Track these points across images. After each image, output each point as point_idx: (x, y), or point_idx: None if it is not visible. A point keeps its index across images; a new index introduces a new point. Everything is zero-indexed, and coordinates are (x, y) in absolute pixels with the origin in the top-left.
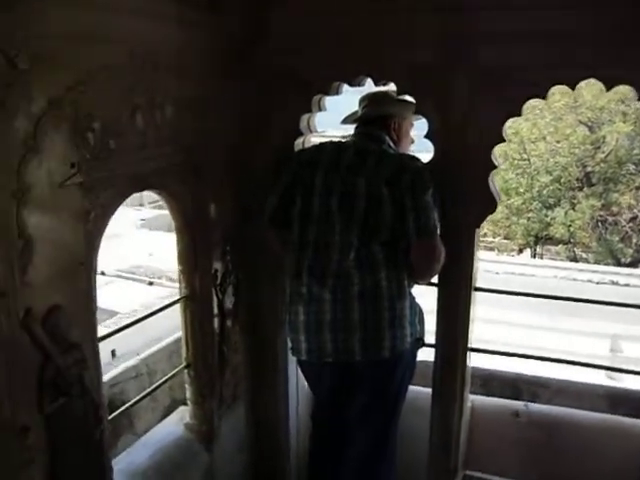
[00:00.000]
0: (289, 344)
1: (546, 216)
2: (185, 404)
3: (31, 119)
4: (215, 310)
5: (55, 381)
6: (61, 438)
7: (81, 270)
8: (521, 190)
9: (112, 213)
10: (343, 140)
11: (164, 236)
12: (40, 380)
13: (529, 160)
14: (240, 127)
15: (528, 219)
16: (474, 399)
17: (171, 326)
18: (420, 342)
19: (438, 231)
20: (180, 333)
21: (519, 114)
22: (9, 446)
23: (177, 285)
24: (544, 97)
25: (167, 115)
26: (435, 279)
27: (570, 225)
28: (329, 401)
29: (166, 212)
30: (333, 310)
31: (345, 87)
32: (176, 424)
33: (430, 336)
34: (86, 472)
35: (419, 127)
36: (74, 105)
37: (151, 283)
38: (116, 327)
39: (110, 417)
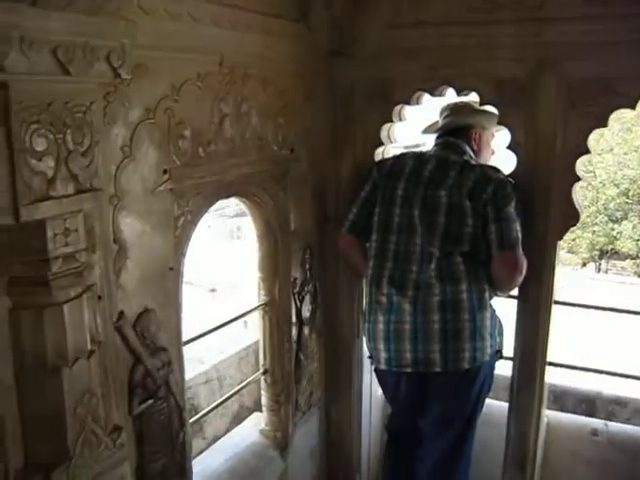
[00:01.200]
0: (367, 353)
1: (612, 230)
2: (256, 411)
3: (128, 127)
4: (293, 318)
5: (144, 383)
6: (148, 439)
7: (170, 275)
8: (586, 203)
9: (200, 219)
10: (424, 151)
11: (226, 244)
12: (130, 381)
13: (594, 172)
14: (323, 136)
15: (593, 232)
16: (549, 415)
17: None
18: (499, 354)
19: (520, 243)
20: (249, 341)
21: (605, 125)
22: (104, 444)
23: (237, 293)
24: (633, 107)
25: (253, 124)
26: (515, 291)
27: (639, 239)
28: (406, 411)
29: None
30: (413, 320)
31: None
32: (251, 430)
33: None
34: (169, 473)
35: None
36: (168, 113)
37: (213, 290)
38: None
39: (191, 420)
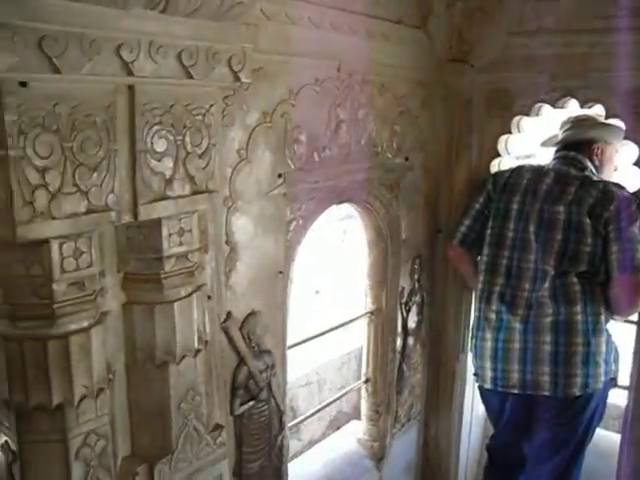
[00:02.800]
0: (472, 369)
1: None
2: (354, 417)
3: (246, 130)
4: (399, 327)
5: (246, 384)
6: (247, 440)
7: (279, 279)
8: None
9: (312, 224)
10: (542, 164)
11: (332, 246)
12: (233, 382)
13: None
14: (438, 145)
15: None
16: None
17: None
18: (613, 382)
19: None
20: (353, 346)
21: None
22: (205, 442)
23: (340, 296)
24: None
25: (369, 130)
26: (634, 316)
27: None
28: (509, 433)
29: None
30: (523, 340)
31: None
32: (348, 438)
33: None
34: (266, 474)
35: None
36: (285, 117)
37: (317, 292)
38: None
39: (291, 424)
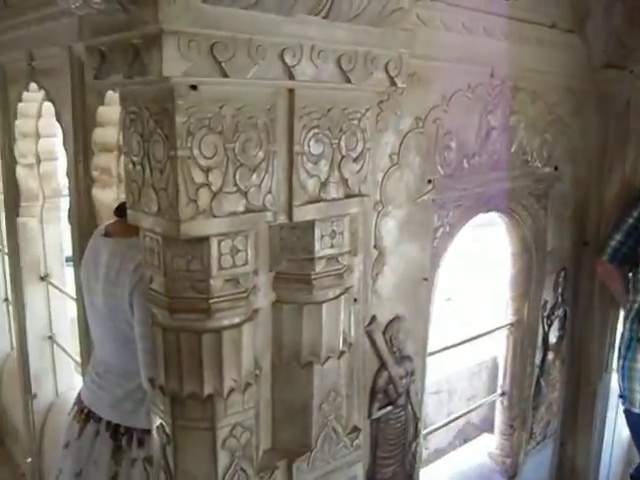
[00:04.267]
0: (618, 391)
1: None
2: (483, 430)
3: (398, 135)
4: (539, 342)
5: (386, 389)
6: (382, 444)
7: (424, 285)
8: None
9: (458, 232)
10: None
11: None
12: (373, 386)
13: None
14: (590, 155)
15: None
16: None
17: None
18: None
19: None
20: (485, 357)
21: None
22: (342, 443)
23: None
24: None
25: (519, 138)
26: None
27: None
28: None
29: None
30: None
31: None
32: (480, 451)
33: None
34: None
35: None
36: (437, 123)
37: (448, 299)
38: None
39: (425, 432)
